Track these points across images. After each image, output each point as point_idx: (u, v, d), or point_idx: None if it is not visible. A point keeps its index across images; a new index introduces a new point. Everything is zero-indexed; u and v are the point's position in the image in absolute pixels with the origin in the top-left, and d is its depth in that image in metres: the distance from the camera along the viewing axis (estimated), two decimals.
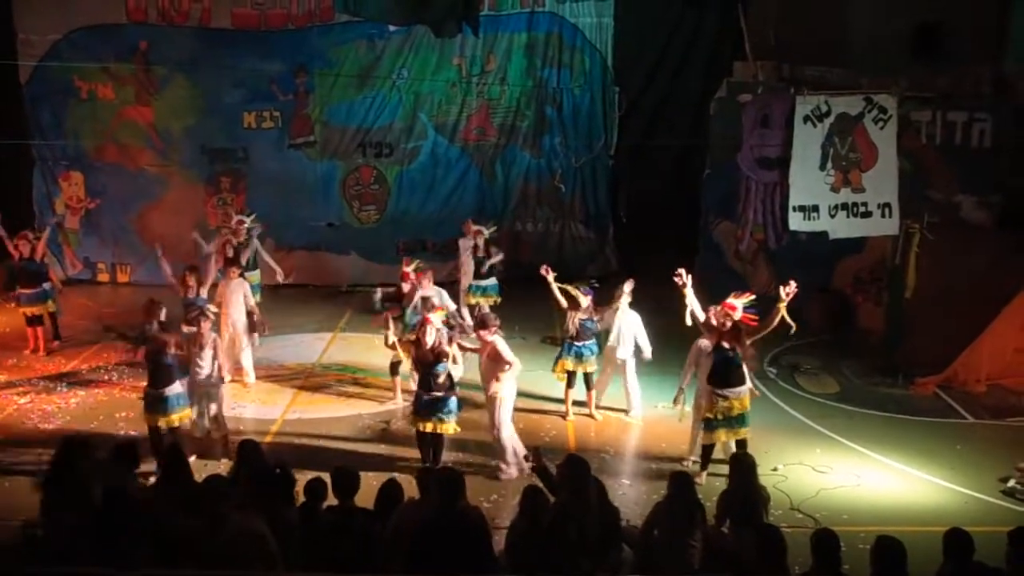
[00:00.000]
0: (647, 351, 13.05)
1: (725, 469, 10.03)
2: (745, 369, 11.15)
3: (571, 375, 13.07)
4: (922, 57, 14.96)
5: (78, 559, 7.14)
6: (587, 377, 13.16)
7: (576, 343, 12.90)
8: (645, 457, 12.06)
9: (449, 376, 11.31)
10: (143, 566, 6.86)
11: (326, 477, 7.93)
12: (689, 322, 11.50)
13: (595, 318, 12.92)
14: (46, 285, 15.74)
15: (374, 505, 7.88)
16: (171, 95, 19.97)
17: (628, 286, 13.01)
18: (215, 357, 11.99)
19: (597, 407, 13.33)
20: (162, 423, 11.33)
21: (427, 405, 11.28)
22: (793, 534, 8.59)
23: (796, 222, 14.85)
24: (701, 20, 19.54)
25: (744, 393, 11.05)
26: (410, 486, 8.31)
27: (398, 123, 20.22)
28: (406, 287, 13.80)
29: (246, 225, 16.22)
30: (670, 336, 12.95)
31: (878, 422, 13.22)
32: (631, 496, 10.87)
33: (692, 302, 11.33)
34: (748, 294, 11.28)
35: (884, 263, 15.40)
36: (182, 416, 11.49)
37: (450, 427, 11.37)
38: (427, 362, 11.32)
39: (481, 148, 20.33)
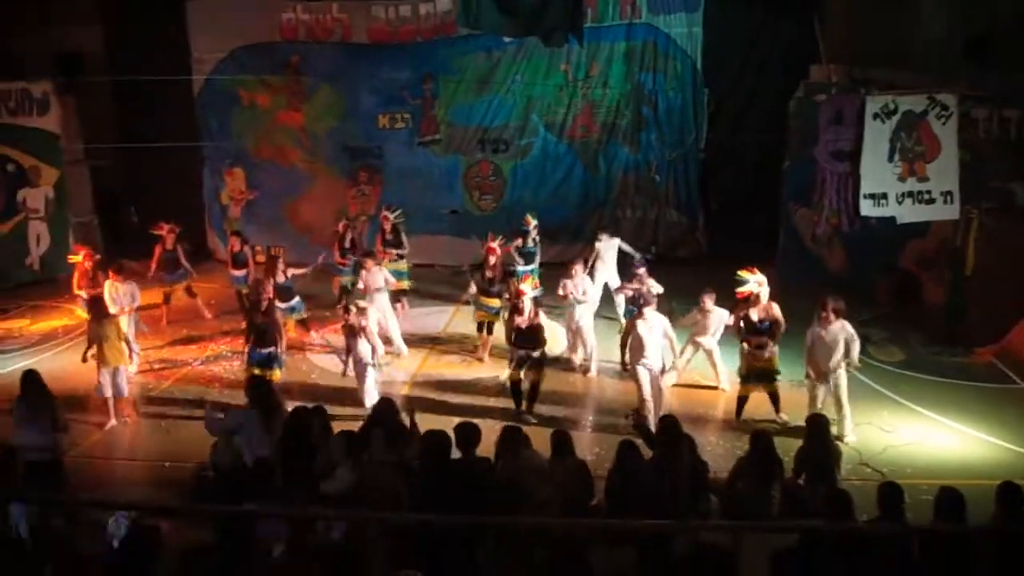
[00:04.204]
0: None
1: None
2: None
3: None
4: (978, 61, 14.71)
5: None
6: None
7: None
8: (730, 418, 12.18)
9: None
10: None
11: (450, 431, 8.07)
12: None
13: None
14: (180, 271, 16.32)
15: (495, 449, 8.10)
16: (317, 101, 20.42)
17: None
18: (370, 342, 12.34)
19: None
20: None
21: (528, 361, 11.82)
22: (862, 487, 8.76)
23: (867, 208, 14.64)
24: (780, 28, 19.26)
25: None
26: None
27: (513, 123, 20.37)
28: (492, 260, 14.35)
29: (391, 219, 16.53)
30: None
31: (940, 387, 13.19)
32: (718, 452, 11.01)
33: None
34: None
35: (946, 245, 15.25)
36: (273, 375, 12.14)
37: (542, 376, 12.00)
38: (526, 327, 11.78)
39: (585, 144, 20.36)
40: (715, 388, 13.21)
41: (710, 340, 13.12)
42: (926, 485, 8.83)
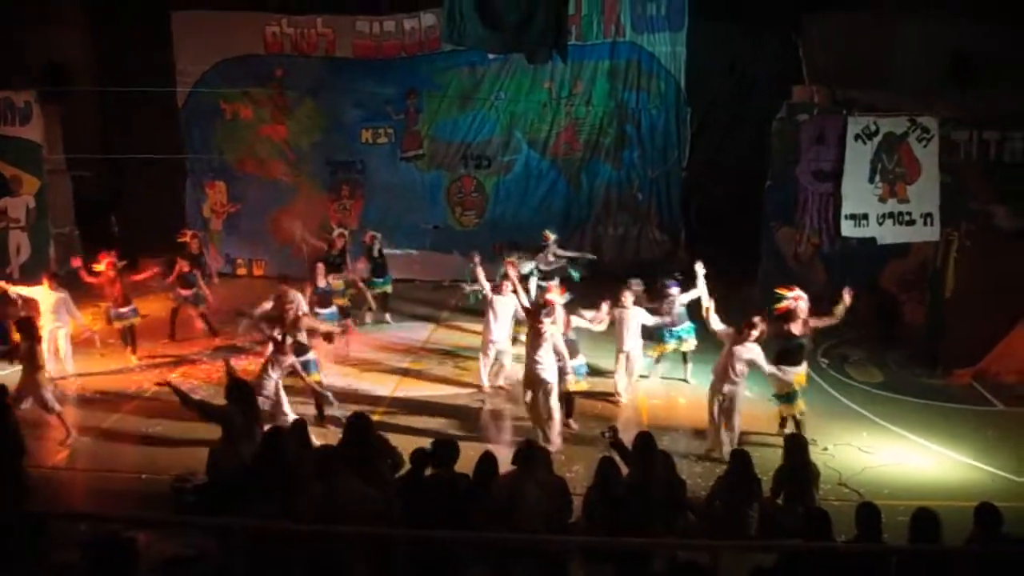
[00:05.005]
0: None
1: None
2: None
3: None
4: (959, 83, 14.86)
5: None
6: (684, 355, 13.71)
7: (675, 328, 13.36)
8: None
9: (574, 343, 11.94)
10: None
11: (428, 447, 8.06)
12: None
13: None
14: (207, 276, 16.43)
15: (472, 474, 8.04)
16: (301, 115, 20.47)
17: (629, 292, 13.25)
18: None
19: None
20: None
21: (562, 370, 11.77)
22: (840, 507, 8.74)
23: (848, 229, 14.84)
24: (763, 48, 19.39)
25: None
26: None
27: (496, 139, 20.44)
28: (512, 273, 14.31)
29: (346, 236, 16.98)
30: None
31: (918, 408, 13.19)
32: (696, 470, 10.94)
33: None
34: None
35: (926, 266, 15.34)
36: (317, 378, 12.14)
37: (583, 385, 12.02)
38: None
39: (568, 161, 20.43)
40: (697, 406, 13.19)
41: (629, 342, 13.15)
42: (903, 506, 8.76)
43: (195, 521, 7.37)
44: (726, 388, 11.26)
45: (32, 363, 11.63)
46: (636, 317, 13.11)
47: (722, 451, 11.10)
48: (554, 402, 11.57)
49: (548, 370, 11.46)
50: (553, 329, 11.56)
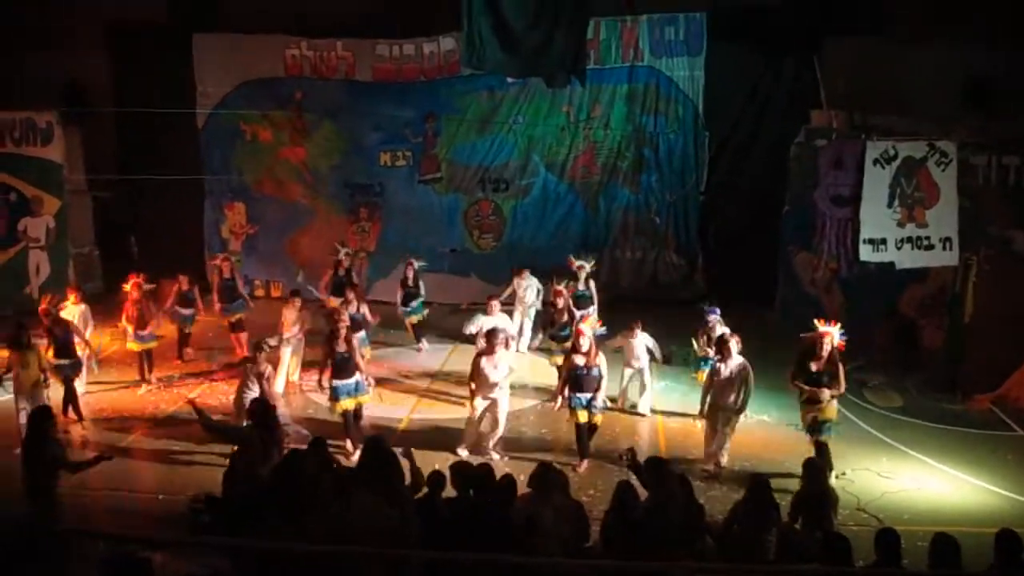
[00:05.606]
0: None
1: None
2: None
3: None
4: (976, 108, 14.82)
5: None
6: None
7: (711, 358, 13.24)
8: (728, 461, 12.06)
9: (600, 377, 11.85)
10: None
11: (446, 471, 8.09)
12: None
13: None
14: (239, 300, 16.42)
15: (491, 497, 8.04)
16: (320, 137, 20.54)
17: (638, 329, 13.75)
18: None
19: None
20: (350, 405, 12.11)
21: (583, 402, 11.77)
22: (859, 532, 8.68)
23: (866, 253, 14.73)
24: (782, 73, 19.32)
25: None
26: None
27: (514, 162, 20.43)
28: (560, 303, 14.50)
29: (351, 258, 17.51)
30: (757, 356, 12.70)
31: (938, 433, 13.14)
32: (715, 495, 10.92)
33: None
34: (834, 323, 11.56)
35: (945, 291, 15.26)
36: (362, 399, 12.27)
37: (599, 418, 11.96)
38: (584, 366, 11.77)
39: (586, 185, 20.39)
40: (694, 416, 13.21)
41: (638, 363, 13.62)
42: (923, 531, 8.72)
43: (210, 541, 7.35)
44: (729, 401, 11.58)
45: (17, 368, 12.08)
46: (642, 343, 13.65)
47: (720, 460, 11.67)
48: (501, 417, 12.14)
49: (498, 388, 11.97)
50: (505, 358, 12.08)
